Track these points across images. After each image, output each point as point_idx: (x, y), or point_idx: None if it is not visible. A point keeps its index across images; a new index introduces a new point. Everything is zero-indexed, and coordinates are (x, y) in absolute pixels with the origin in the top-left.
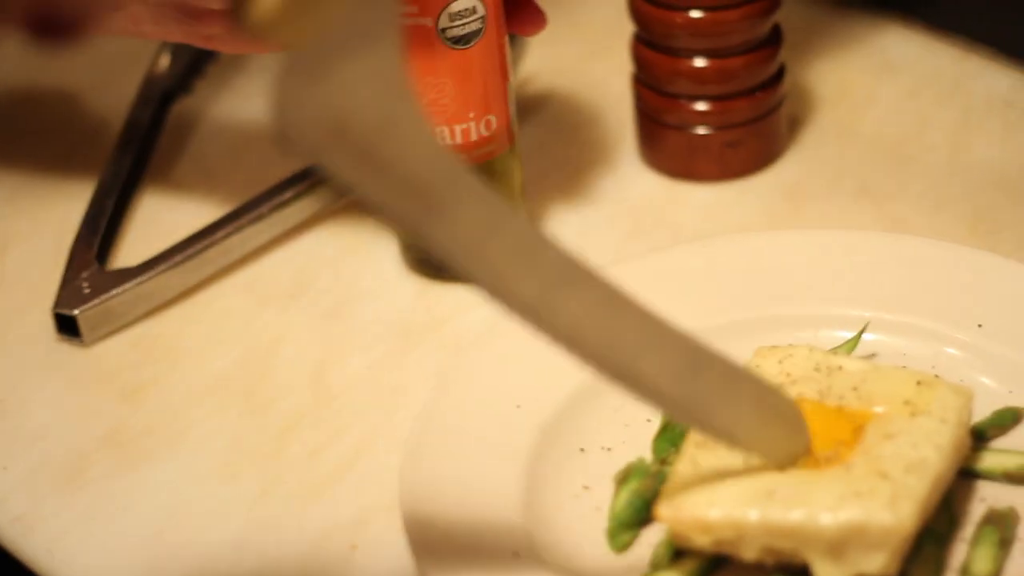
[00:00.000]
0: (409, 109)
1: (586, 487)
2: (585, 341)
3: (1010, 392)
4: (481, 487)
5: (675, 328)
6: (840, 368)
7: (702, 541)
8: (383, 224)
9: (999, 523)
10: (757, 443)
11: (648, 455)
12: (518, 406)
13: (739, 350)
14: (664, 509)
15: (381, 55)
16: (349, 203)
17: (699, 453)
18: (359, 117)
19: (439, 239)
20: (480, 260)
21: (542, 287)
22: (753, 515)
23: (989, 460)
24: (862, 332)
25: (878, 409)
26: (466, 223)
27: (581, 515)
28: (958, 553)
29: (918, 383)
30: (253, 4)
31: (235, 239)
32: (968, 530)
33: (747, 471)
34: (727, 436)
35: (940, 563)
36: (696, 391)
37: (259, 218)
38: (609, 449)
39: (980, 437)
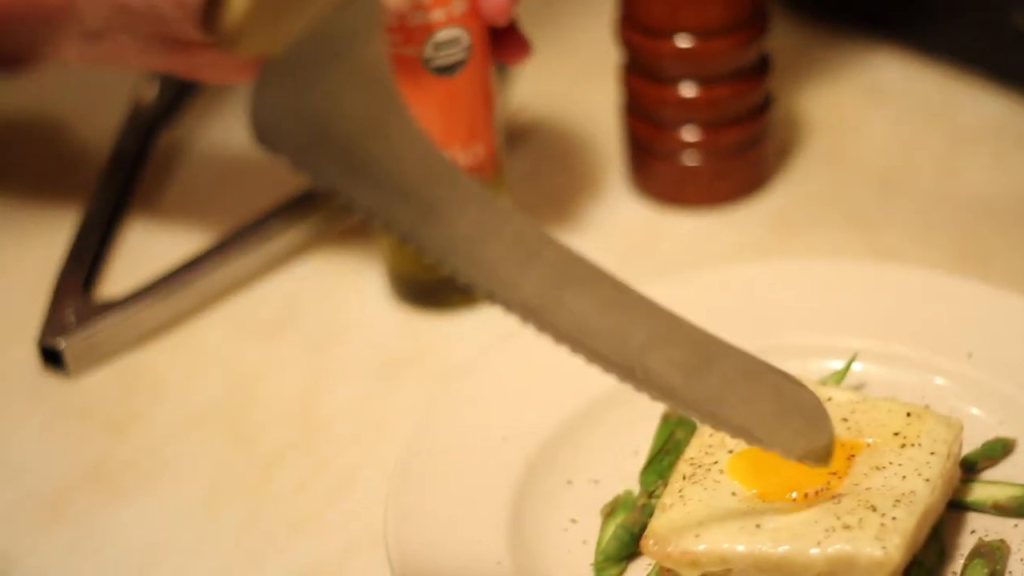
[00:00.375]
0: (395, 111)
1: (573, 520)
2: (590, 339)
3: (1000, 423)
4: (467, 520)
5: (685, 322)
6: (829, 399)
7: (690, 574)
8: (376, 230)
9: (988, 556)
10: (776, 439)
11: (635, 487)
12: (504, 438)
13: None
14: (651, 543)
15: (364, 57)
16: (336, 232)
17: (686, 486)
18: (342, 119)
19: (435, 243)
20: (479, 263)
21: (543, 286)
22: (740, 548)
23: (979, 492)
24: (851, 363)
25: (868, 440)
26: (463, 226)
27: (568, 548)
28: None
29: (908, 414)
30: (223, 13)
31: (221, 270)
32: (958, 563)
33: (735, 503)
34: (744, 433)
35: None
36: (709, 386)
37: (245, 249)
38: (596, 481)
39: (970, 468)
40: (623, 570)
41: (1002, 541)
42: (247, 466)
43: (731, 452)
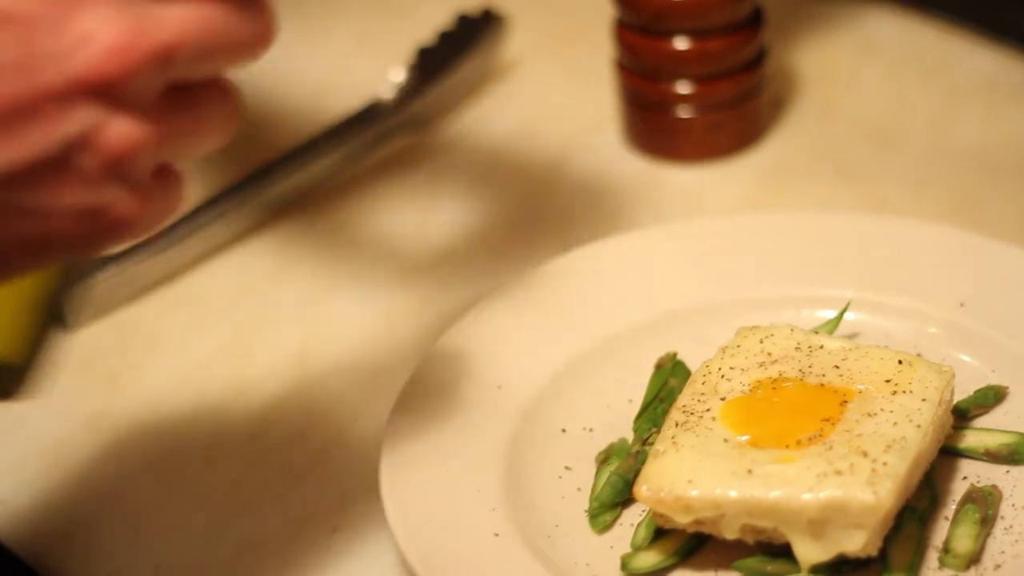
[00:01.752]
0: None
1: (568, 468)
2: None
3: (992, 371)
4: (462, 468)
5: None
6: (821, 347)
7: (682, 520)
8: None
9: (980, 501)
10: None
11: (629, 435)
12: (499, 387)
13: (721, 331)
14: (644, 489)
15: None
16: (332, 185)
17: (679, 433)
18: None
19: None
20: None
21: None
22: (733, 494)
23: (971, 439)
24: (843, 312)
25: (859, 387)
26: None
27: (563, 495)
28: (940, 531)
29: (899, 362)
30: None
31: (219, 223)
32: (950, 508)
33: (727, 450)
34: None
35: (921, 541)
36: None
37: (242, 201)
38: (590, 430)
39: (962, 416)
40: (617, 516)
41: (994, 487)
42: (244, 417)
43: (723, 400)
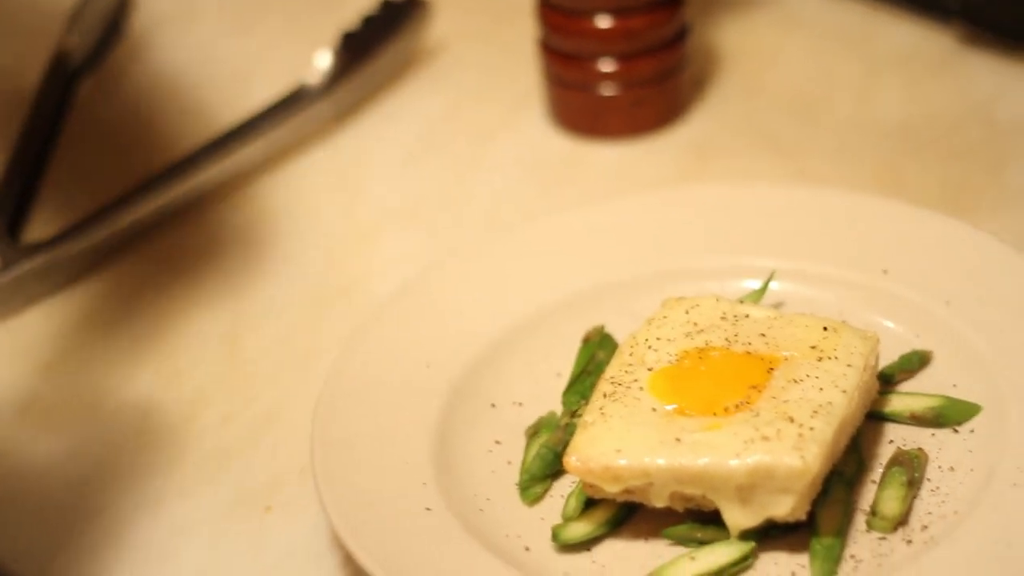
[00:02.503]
0: None
1: (498, 442)
2: None
3: (917, 336)
4: (392, 445)
5: None
6: (747, 316)
7: (612, 490)
8: None
9: (907, 464)
10: None
11: (558, 409)
12: (428, 365)
13: (648, 303)
14: (573, 459)
15: None
16: (261, 169)
17: (607, 404)
18: None
19: None
20: None
21: None
22: (661, 462)
23: (896, 403)
24: (768, 282)
25: (785, 355)
26: None
27: (493, 469)
28: (867, 495)
29: (824, 329)
30: None
31: (145, 209)
32: (877, 472)
33: (655, 419)
34: None
35: (849, 505)
36: None
37: (169, 188)
38: (520, 404)
39: (887, 381)
40: (547, 488)
41: (920, 450)
42: (174, 402)
43: (650, 370)
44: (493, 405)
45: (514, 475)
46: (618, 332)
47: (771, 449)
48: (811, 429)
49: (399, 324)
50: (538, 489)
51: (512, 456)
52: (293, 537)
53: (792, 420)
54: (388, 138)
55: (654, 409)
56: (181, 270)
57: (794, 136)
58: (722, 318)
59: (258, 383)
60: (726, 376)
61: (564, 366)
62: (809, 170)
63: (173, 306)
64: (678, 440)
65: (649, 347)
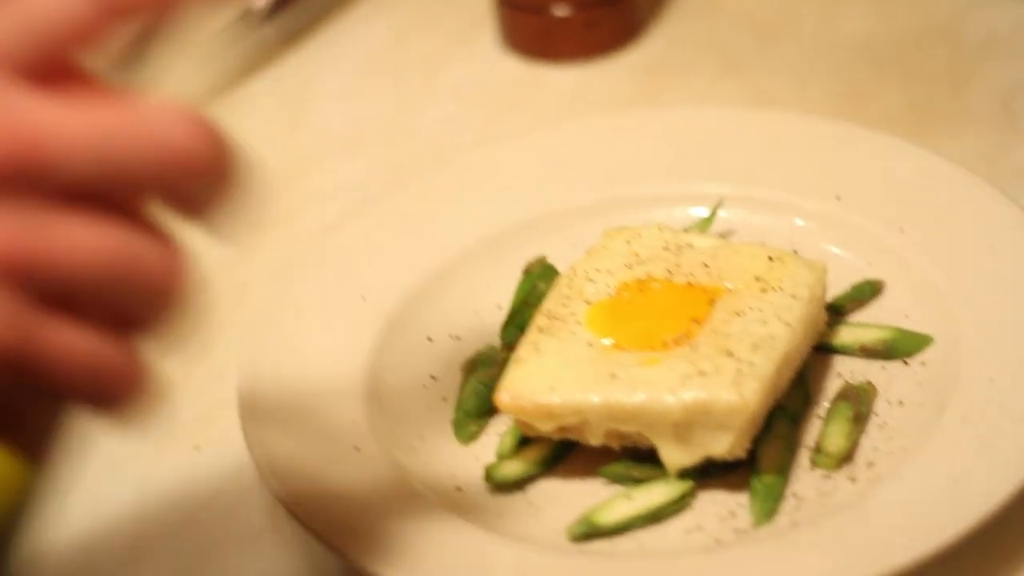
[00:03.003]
0: None
1: (433, 377)
2: None
3: (869, 264)
4: (323, 381)
5: None
6: (690, 246)
7: (546, 428)
8: None
9: (853, 399)
10: None
11: (497, 342)
12: (363, 298)
13: (592, 232)
14: (504, 397)
15: None
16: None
17: (541, 338)
18: None
19: None
20: None
21: None
22: (595, 399)
23: (845, 335)
24: (716, 209)
25: (728, 286)
26: None
27: (428, 405)
28: (813, 431)
29: (770, 258)
30: None
31: None
32: (823, 407)
33: (591, 354)
34: None
35: (793, 441)
36: None
37: None
38: (458, 338)
39: (837, 312)
40: (483, 426)
41: (868, 383)
42: None
43: (588, 303)
44: (430, 339)
45: (449, 412)
46: (561, 262)
47: (708, 385)
48: (751, 364)
49: (334, 256)
50: (473, 427)
51: (448, 392)
52: (222, 477)
53: (731, 355)
54: (335, 63)
55: (590, 344)
56: None
57: (755, 57)
58: (664, 248)
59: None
60: (666, 309)
61: (505, 298)
62: (769, 92)
63: None
64: (613, 376)
65: (588, 279)
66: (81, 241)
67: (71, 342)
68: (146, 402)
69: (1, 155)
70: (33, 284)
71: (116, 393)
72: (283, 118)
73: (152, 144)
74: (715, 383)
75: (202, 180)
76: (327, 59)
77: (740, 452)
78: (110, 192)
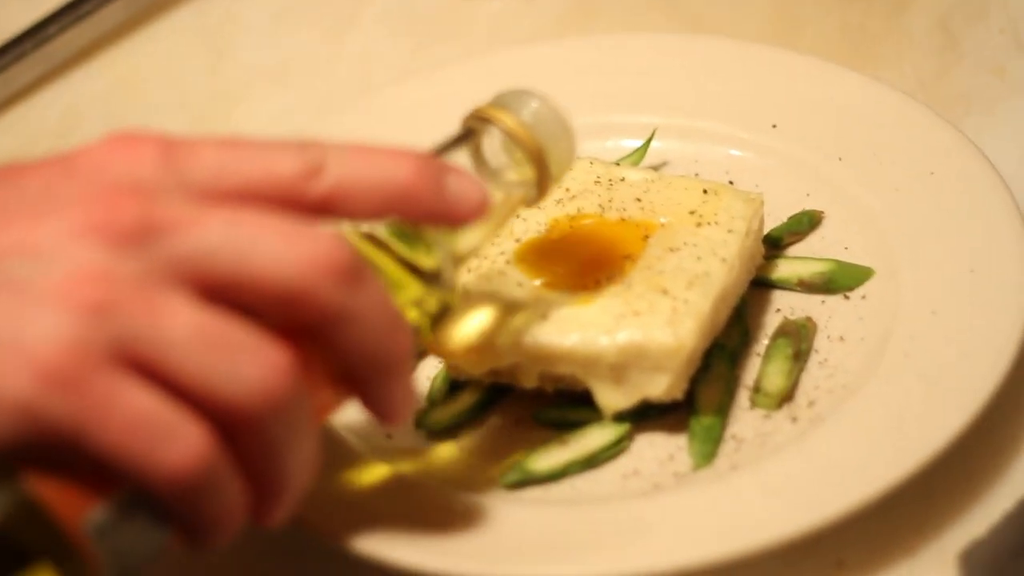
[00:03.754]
0: None
1: None
2: None
3: (807, 195)
4: None
5: None
6: (623, 180)
7: (476, 371)
8: None
9: (793, 335)
10: None
11: None
12: None
13: None
14: (432, 340)
15: None
16: (123, 34)
17: (470, 279)
18: None
19: None
20: None
21: None
22: (526, 341)
23: (784, 269)
24: (649, 141)
25: (662, 220)
26: None
27: None
28: (752, 369)
29: (704, 192)
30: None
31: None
32: (763, 344)
33: (521, 295)
34: None
35: (731, 381)
36: None
37: (22, 55)
38: None
39: (775, 245)
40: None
41: (808, 319)
42: None
43: (518, 241)
44: None
45: None
46: None
47: (643, 325)
48: (686, 302)
49: None
50: None
51: None
52: None
53: (666, 292)
54: None
55: (520, 284)
56: (35, 142)
57: None
58: (596, 182)
59: None
60: (597, 246)
61: None
62: (700, 17)
63: None
64: (544, 317)
65: (517, 215)
66: None
67: None
68: None
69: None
70: None
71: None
72: (206, 52)
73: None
74: (650, 323)
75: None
76: None
77: (677, 393)
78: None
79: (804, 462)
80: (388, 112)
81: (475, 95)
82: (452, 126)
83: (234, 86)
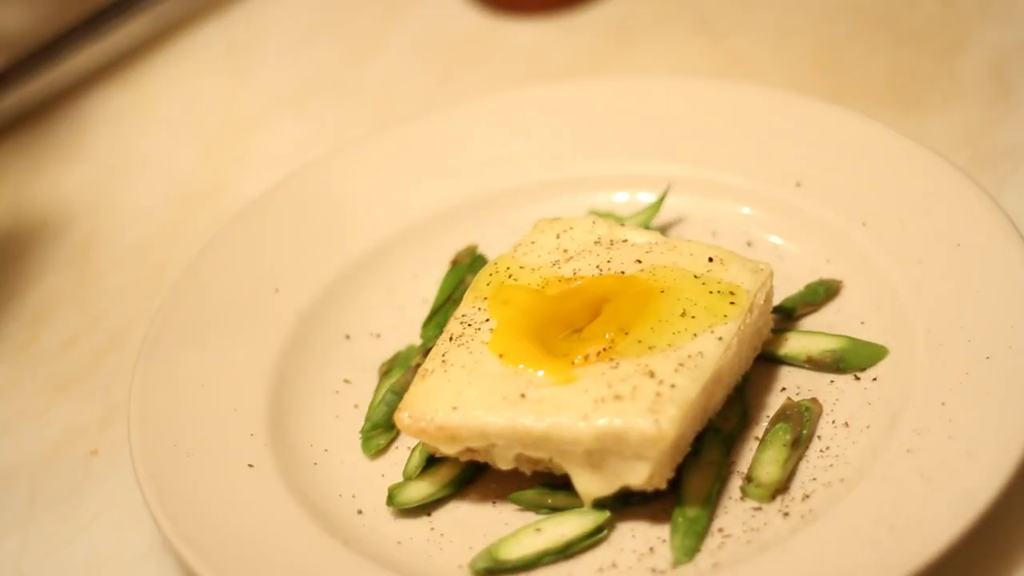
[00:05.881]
0: None
1: (347, 381)
2: None
3: (827, 262)
4: (224, 385)
5: None
6: (624, 241)
7: (449, 451)
8: None
9: (795, 419)
10: None
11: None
12: (277, 290)
13: (526, 218)
14: (404, 416)
15: None
16: (134, 53)
17: (451, 348)
18: None
19: None
20: None
21: None
22: (500, 422)
23: (794, 343)
24: (662, 200)
25: (661, 290)
26: None
27: (337, 414)
28: (749, 453)
29: (710, 259)
30: None
31: (14, 94)
32: (764, 427)
33: (501, 369)
34: None
35: (723, 468)
36: None
37: (35, 76)
38: (378, 336)
39: (788, 316)
40: (392, 439)
41: (813, 400)
42: (15, 320)
43: (507, 303)
44: (347, 336)
45: (360, 421)
46: (494, 251)
47: (623, 411)
48: (672, 387)
49: (247, 242)
50: (381, 440)
51: (361, 398)
52: (117, 486)
53: (652, 375)
54: (282, 14)
55: (502, 355)
56: (43, 166)
57: (726, 15)
58: (596, 243)
59: (107, 300)
60: (588, 316)
61: (433, 291)
62: (741, 54)
63: (31, 206)
64: (523, 396)
65: (510, 277)
66: None
67: None
68: None
69: None
70: None
71: None
72: (226, 74)
73: None
74: (630, 409)
75: None
76: (274, 9)
77: (660, 483)
78: None
79: (787, 567)
80: (389, 157)
81: (485, 141)
82: (458, 174)
83: (248, 114)
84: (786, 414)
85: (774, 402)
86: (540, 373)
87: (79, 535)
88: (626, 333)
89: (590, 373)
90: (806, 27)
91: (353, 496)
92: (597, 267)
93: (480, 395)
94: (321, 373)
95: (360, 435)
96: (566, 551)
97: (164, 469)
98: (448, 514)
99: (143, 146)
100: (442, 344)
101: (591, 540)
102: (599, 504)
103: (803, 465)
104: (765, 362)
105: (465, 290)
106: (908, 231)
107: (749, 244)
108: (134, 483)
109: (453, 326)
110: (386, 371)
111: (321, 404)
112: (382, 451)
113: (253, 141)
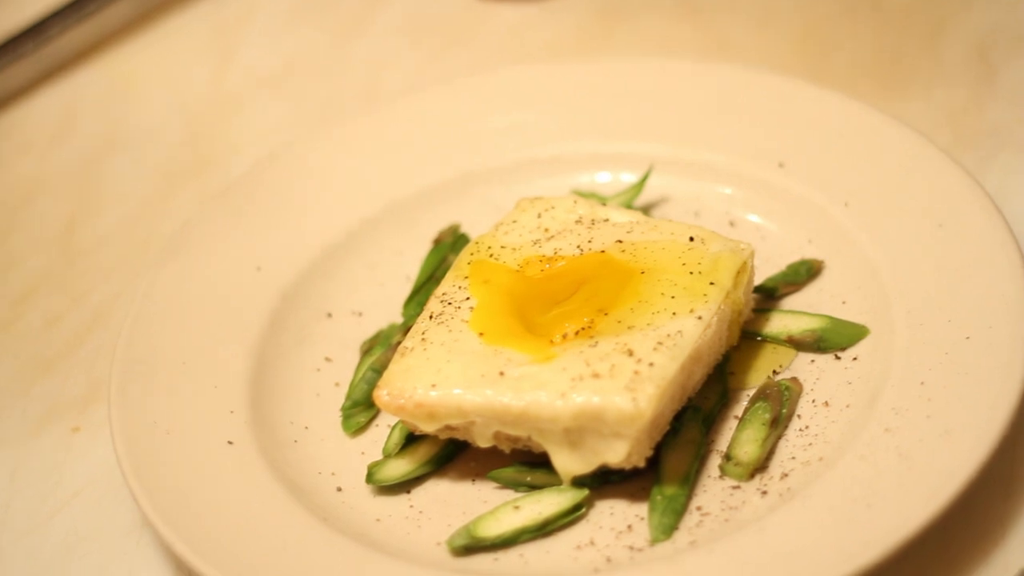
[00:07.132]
0: None
1: (328, 359)
2: None
3: (809, 242)
4: (205, 362)
5: None
6: (606, 220)
7: (428, 428)
8: None
9: (774, 398)
10: None
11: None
12: (259, 268)
13: (509, 196)
14: (383, 394)
15: None
16: (121, 34)
17: (431, 327)
18: None
19: None
20: None
21: None
22: (477, 399)
23: (775, 323)
24: (644, 179)
25: (641, 270)
26: None
27: (318, 392)
28: (728, 431)
29: (691, 238)
30: None
31: None
32: (744, 405)
33: (480, 348)
34: None
35: (702, 446)
36: None
37: (20, 55)
38: (360, 314)
39: (770, 295)
40: (372, 417)
41: (793, 380)
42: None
43: (487, 282)
44: (329, 315)
45: (340, 399)
46: (476, 230)
47: (601, 389)
48: (650, 365)
49: (228, 219)
50: (361, 418)
51: (342, 376)
52: (98, 463)
53: (631, 354)
54: None
55: (482, 333)
56: (30, 145)
57: None
58: (577, 222)
59: (91, 278)
60: (566, 294)
61: (416, 269)
62: (726, 36)
63: (14, 186)
64: (502, 374)
65: (491, 256)
66: None
67: None
68: None
69: None
70: None
71: None
72: (211, 54)
73: None
74: (608, 387)
75: None
76: None
77: (638, 461)
78: None
79: (764, 544)
80: (373, 135)
81: (468, 120)
82: (442, 152)
83: (236, 91)
84: (766, 393)
85: (754, 381)
86: (519, 352)
87: (60, 512)
88: (605, 313)
89: (569, 352)
90: (790, 8)
91: (333, 474)
92: (578, 246)
93: (459, 373)
94: (302, 351)
95: (340, 413)
96: (544, 528)
97: (144, 446)
98: (427, 492)
99: (128, 125)
100: (422, 322)
101: (569, 518)
102: (578, 482)
103: (782, 444)
104: (746, 341)
105: (445, 269)
106: (890, 211)
107: (732, 224)
108: (115, 460)
109: (433, 304)
110: (367, 349)
111: (302, 382)
112: (362, 429)
113: (238, 121)
